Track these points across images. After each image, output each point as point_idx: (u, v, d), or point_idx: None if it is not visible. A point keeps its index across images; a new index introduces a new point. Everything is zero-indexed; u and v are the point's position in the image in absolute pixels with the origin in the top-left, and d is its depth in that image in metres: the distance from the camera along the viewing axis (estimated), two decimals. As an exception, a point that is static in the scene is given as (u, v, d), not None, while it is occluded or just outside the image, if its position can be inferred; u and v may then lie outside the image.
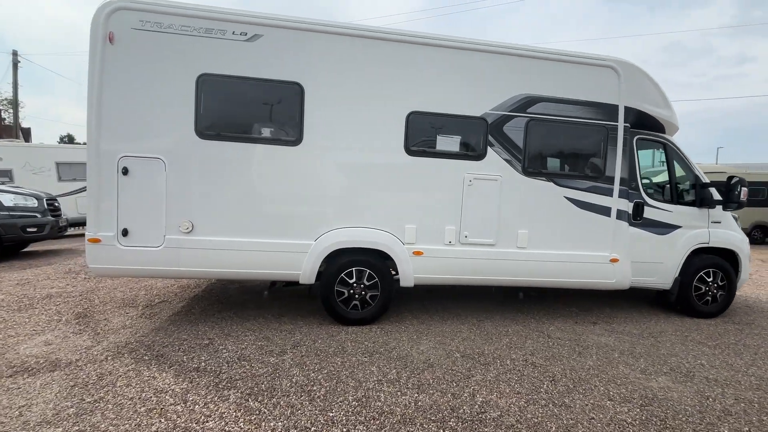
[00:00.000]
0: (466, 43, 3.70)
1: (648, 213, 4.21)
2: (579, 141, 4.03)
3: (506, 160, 3.84)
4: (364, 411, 2.35)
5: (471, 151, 3.82)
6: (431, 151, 3.74)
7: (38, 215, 6.99)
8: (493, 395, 2.59)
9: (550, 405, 2.49)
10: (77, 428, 2.09)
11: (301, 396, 2.49)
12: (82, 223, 9.61)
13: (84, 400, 2.36)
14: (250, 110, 3.59)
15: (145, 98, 3.34)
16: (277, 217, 3.59)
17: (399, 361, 3.06)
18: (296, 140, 3.54)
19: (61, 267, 6.08)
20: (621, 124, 3.99)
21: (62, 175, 10.66)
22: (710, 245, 4.40)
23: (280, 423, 2.20)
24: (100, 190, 3.32)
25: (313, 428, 2.17)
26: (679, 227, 4.32)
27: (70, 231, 9.45)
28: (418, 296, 4.69)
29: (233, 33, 3.38)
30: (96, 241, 3.34)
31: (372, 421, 2.25)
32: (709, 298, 4.45)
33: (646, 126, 4.24)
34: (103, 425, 2.12)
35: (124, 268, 3.47)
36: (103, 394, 2.43)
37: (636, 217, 4.17)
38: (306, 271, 3.61)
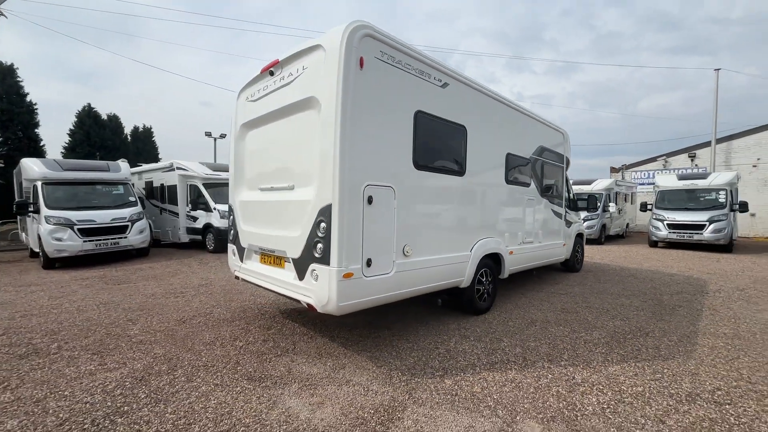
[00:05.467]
0: (527, 111, 5.59)
1: (567, 216, 7.37)
2: (554, 175, 6.66)
3: (535, 187, 5.97)
4: (618, 339, 3.86)
5: (527, 181, 5.71)
6: (514, 181, 5.37)
7: None
8: (621, 320, 4.61)
9: (653, 318, 4.74)
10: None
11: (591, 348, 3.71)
12: None
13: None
14: (440, 145, 4.09)
15: (380, 127, 3.36)
16: (454, 234, 4.29)
17: (550, 322, 4.59)
18: (462, 171, 4.36)
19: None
20: (564, 165, 6.92)
21: None
22: (579, 231, 8.09)
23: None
24: (350, 221, 3.10)
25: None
26: (573, 223, 7.74)
27: None
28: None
29: (434, 78, 3.89)
30: (350, 275, 3.08)
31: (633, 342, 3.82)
32: (578, 261, 8.16)
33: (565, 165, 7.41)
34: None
35: (366, 300, 3.28)
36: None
37: (565, 218, 7.23)
38: (467, 276, 4.47)
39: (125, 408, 2.62)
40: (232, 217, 4.62)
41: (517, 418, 2.59)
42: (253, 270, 4.15)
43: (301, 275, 3.38)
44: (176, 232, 11.73)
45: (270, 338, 4.01)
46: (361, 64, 3.13)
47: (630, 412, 2.66)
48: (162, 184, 12.15)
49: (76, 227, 8.59)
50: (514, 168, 5.39)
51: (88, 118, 36.36)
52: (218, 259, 9.67)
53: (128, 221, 9.40)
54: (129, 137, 34.88)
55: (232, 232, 4.61)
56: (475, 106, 4.53)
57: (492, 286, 5.02)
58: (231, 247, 4.63)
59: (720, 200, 12.35)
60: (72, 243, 8.48)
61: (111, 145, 32.72)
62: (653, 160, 21.77)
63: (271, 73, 3.87)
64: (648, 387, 3.02)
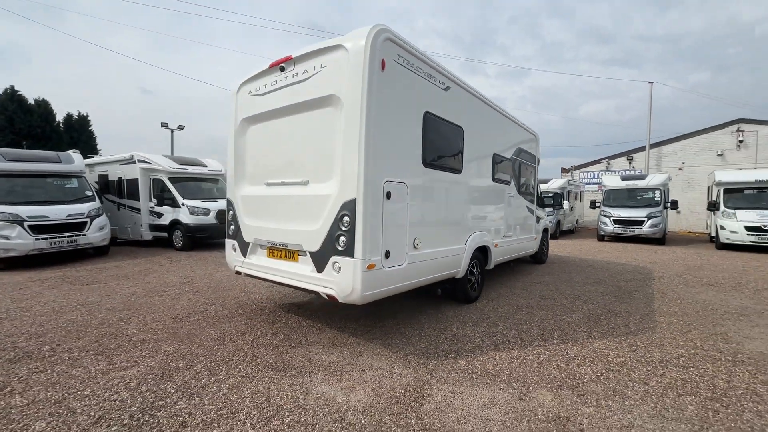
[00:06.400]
0: (508, 113, 6.03)
1: (536, 212, 8.02)
2: (528, 174, 7.22)
3: (514, 185, 6.47)
4: (594, 319, 4.37)
5: (508, 179, 6.17)
6: (498, 179, 5.80)
7: None
8: (592, 304, 5.19)
9: (617, 301, 5.37)
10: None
11: (579, 327, 4.16)
12: None
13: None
14: (443, 144, 4.34)
15: (396, 126, 3.54)
16: (453, 228, 4.59)
17: (534, 307, 5.06)
18: (460, 170, 4.67)
19: None
20: (536, 165, 7.53)
21: None
22: (545, 226, 8.82)
23: (609, 335, 3.90)
24: (373, 215, 3.26)
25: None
26: (541, 218, 8.43)
27: None
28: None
29: (439, 81, 4.14)
30: (372, 267, 3.25)
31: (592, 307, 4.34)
32: (545, 253, 8.90)
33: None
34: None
35: (384, 290, 3.46)
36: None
37: (535, 214, 7.86)
38: (462, 268, 4.80)
39: (159, 403, 2.60)
40: (231, 212, 4.56)
41: (531, 388, 2.93)
42: (260, 264, 4.16)
43: (320, 268, 3.49)
44: (137, 229, 11.00)
45: (279, 331, 4.06)
46: (383, 66, 3.29)
47: (620, 378, 3.11)
48: (120, 178, 11.30)
49: (26, 224, 7.81)
50: (499, 167, 5.81)
51: (11, 102, 32.17)
52: (190, 256, 9.26)
53: (87, 217, 8.71)
54: (62, 125, 31.35)
55: (231, 227, 4.55)
56: (470, 108, 4.85)
57: (480, 277, 5.41)
58: (230, 242, 4.57)
59: (656, 199, 13.96)
60: (22, 241, 7.71)
61: (40, 133, 29.24)
62: (598, 162, 23.89)
63: (282, 69, 3.89)
64: (628, 357, 3.52)
